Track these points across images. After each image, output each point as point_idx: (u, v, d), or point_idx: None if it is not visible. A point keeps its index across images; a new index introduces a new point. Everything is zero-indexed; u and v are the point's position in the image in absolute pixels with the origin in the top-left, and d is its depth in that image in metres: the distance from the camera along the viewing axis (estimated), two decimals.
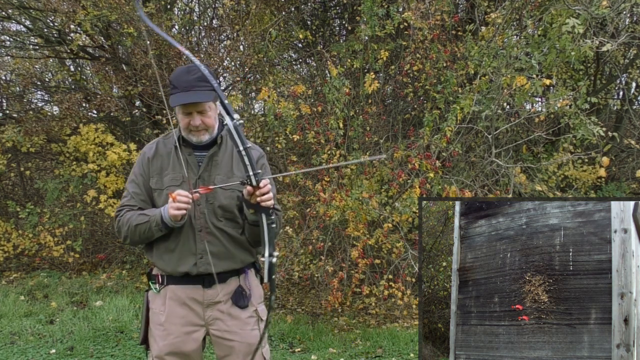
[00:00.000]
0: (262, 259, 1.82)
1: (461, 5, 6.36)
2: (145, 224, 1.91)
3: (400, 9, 4.94)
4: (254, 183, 1.74)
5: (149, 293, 2.08)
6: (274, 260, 1.81)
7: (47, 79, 7.38)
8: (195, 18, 7.51)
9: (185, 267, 1.96)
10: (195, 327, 2.00)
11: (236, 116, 1.73)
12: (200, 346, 2.05)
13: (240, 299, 2.03)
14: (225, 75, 6.46)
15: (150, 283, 2.07)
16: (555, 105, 4.34)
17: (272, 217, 1.82)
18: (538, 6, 4.57)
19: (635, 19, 6.04)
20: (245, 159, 1.71)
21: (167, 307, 1.99)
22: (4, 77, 7.36)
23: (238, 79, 6.25)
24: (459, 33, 5.26)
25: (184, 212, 1.85)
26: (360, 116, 5.09)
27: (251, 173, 1.73)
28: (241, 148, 1.71)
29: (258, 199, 1.77)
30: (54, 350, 4.14)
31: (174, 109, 1.99)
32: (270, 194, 1.80)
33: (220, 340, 2.03)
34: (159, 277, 2.03)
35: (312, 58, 6.21)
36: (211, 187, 1.87)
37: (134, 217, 1.94)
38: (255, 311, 2.08)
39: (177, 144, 1.98)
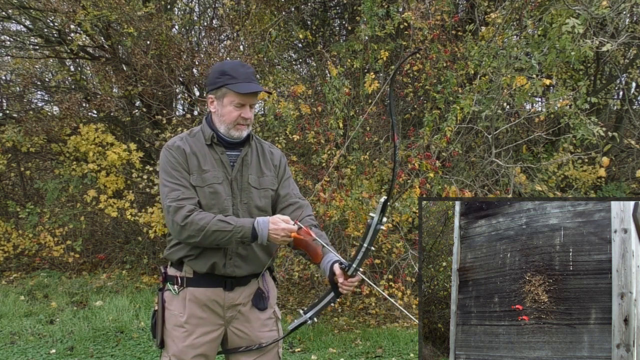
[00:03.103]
0: (302, 312, 1.93)
1: (461, 5, 6.36)
2: (226, 232, 1.84)
3: (400, 9, 4.95)
4: (350, 272, 1.81)
5: (166, 294, 2.03)
6: (309, 322, 1.92)
7: (47, 79, 7.38)
8: (195, 18, 7.52)
9: (213, 265, 1.95)
10: (215, 326, 2.00)
11: (384, 220, 1.78)
12: (217, 345, 2.05)
13: (260, 301, 2.04)
14: None
15: (168, 284, 2.02)
16: (555, 105, 4.34)
17: (337, 300, 1.91)
18: (538, 6, 4.57)
19: (635, 19, 6.04)
20: (361, 254, 1.78)
21: (187, 309, 1.97)
22: (4, 77, 7.36)
23: None
24: (459, 33, 5.26)
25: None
26: (360, 116, 5.09)
27: (354, 265, 1.79)
28: (365, 245, 1.77)
29: (341, 282, 1.83)
30: (54, 350, 4.14)
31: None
32: (352, 287, 1.87)
33: (239, 339, 2.03)
34: (178, 278, 1.99)
35: (312, 58, 6.22)
36: (313, 233, 1.90)
37: (212, 221, 1.84)
38: (274, 312, 2.11)
39: (210, 142, 2.00)
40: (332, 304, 1.91)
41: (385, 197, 1.71)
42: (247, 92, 1.90)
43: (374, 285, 1.90)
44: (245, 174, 2.01)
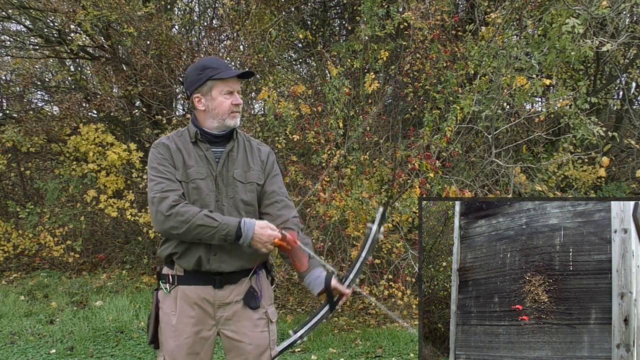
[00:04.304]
0: (291, 333, 1.92)
1: (461, 5, 6.37)
2: (211, 228, 1.85)
3: (400, 9, 4.95)
4: (347, 283, 1.85)
5: (159, 292, 2.05)
6: (299, 342, 1.91)
7: (47, 79, 7.38)
8: (195, 18, 7.52)
9: (198, 260, 1.95)
10: (206, 326, 2.00)
11: (382, 229, 1.85)
12: (211, 346, 2.04)
13: (251, 300, 2.03)
14: None
15: (160, 282, 2.04)
16: (555, 105, 4.34)
17: (331, 313, 1.93)
18: (538, 6, 4.57)
19: (635, 19, 6.04)
20: (358, 264, 1.85)
21: (177, 308, 1.98)
22: (4, 77, 7.36)
23: None
24: (459, 33, 5.26)
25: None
26: (360, 116, 5.09)
27: (351, 277, 1.86)
28: (363, 255, 1.84)
29: (339, 294, 1.88)
30: (54, 350, 4.14)
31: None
32: (344, 300, 1.91)
33: (230, 340, 2.02)
34: (170, 277, 2.01)
35: (312, 58, 6.22)
36: (299, 242, 1.90)
37: (198, 215, 1.86)
38: (266, 313, 2.08)
39: (195, 138, 2.02)
40: (324, 321, 1.93)
41: (383, 208, 1.74)
42: (233, 75, 1.99)
43: (372, 299, 1.92)
44: (231, 169, 2.02)
